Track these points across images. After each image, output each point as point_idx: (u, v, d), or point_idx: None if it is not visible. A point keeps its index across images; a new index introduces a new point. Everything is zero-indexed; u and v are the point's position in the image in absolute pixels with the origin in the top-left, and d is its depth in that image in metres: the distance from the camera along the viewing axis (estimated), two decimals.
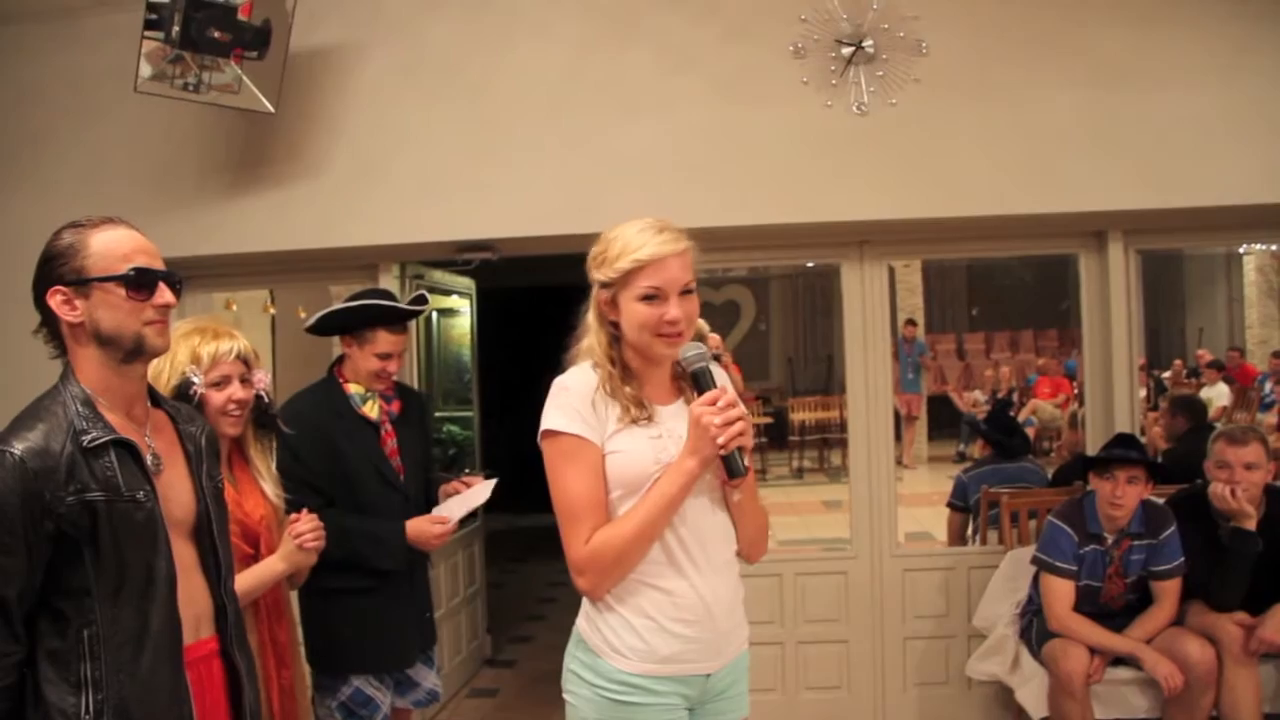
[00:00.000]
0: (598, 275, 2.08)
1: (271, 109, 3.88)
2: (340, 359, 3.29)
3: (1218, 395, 9.83)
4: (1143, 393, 9.82)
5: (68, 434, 1.76)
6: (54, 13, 4.44)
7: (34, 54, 4.47)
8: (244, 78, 3.83)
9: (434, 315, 5.74)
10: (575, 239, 4.22)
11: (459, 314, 6.00)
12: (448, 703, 4.83)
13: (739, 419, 1.95)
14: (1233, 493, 3.58)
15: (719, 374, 2.08)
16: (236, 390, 2.53)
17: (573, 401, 2.04)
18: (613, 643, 2.03)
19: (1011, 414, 6.11)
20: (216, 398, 2.51)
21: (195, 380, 2.48)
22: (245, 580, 2.42)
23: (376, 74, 4.30)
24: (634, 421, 2.04)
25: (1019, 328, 14.63)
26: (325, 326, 3.23)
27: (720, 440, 1.93)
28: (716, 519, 2.09)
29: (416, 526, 3.15)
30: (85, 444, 1.76)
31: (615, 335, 2.10)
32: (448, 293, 5.48)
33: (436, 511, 3.24)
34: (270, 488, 2.65)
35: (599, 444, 2.04)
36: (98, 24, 4.39)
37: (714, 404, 1.96)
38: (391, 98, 4.29)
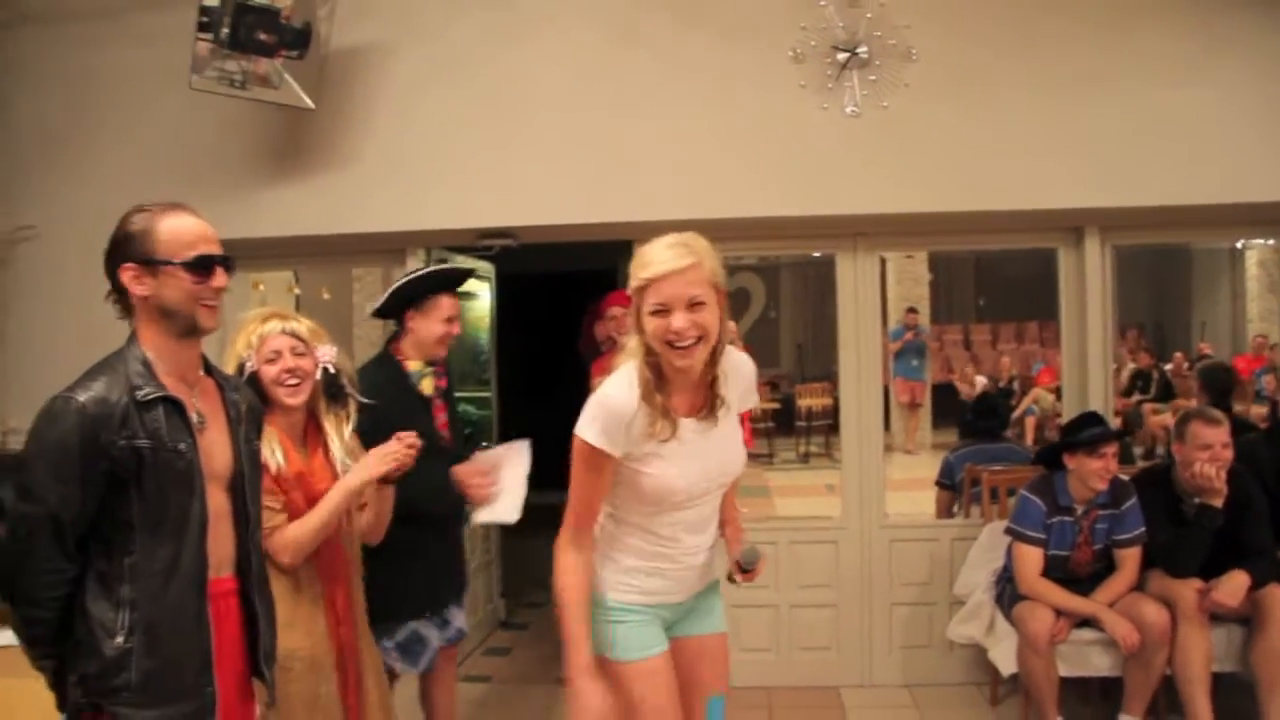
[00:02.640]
0: (630, 285, 2.30)
1: (312, 105, 4.21)
2: (395, 336, 3.48)
3: None
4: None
5: (125, 388, 2.04)
6: (96, 12, 4.74)
7: (78, 51, 4.76)
8: (286, 76, 4.15)
9: None
10: (588, 228, 4.60)
11: (477, 297, 6.30)
12: (464, 660, 5.16)
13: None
14: (1217, 471, 3.84)
15: None
16: (288, 361, 2.75)
17: (611, 423, 2.27)
18: (612, 583, 2.45)
19: (1003, 405, 6.41)
20: (269, 371, 2.74)
21: (247, 362, 2.76)
22: (323, 506, 2.65)
23: (405, 72, 4.61)
24: (662, 441, 2.29)
25: (1024, 319, 14.87)
26: (391, 305, 3.43)
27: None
28: (709, 510, 2.49)
29: (461, 470, 3.36)
30: (139, 398, 2.04)
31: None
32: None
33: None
34: (340, 456, 2.80)
35: (620, 457, 2.30)
36: (140, 22, 4.68)
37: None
38: (418, 94, 4.60)
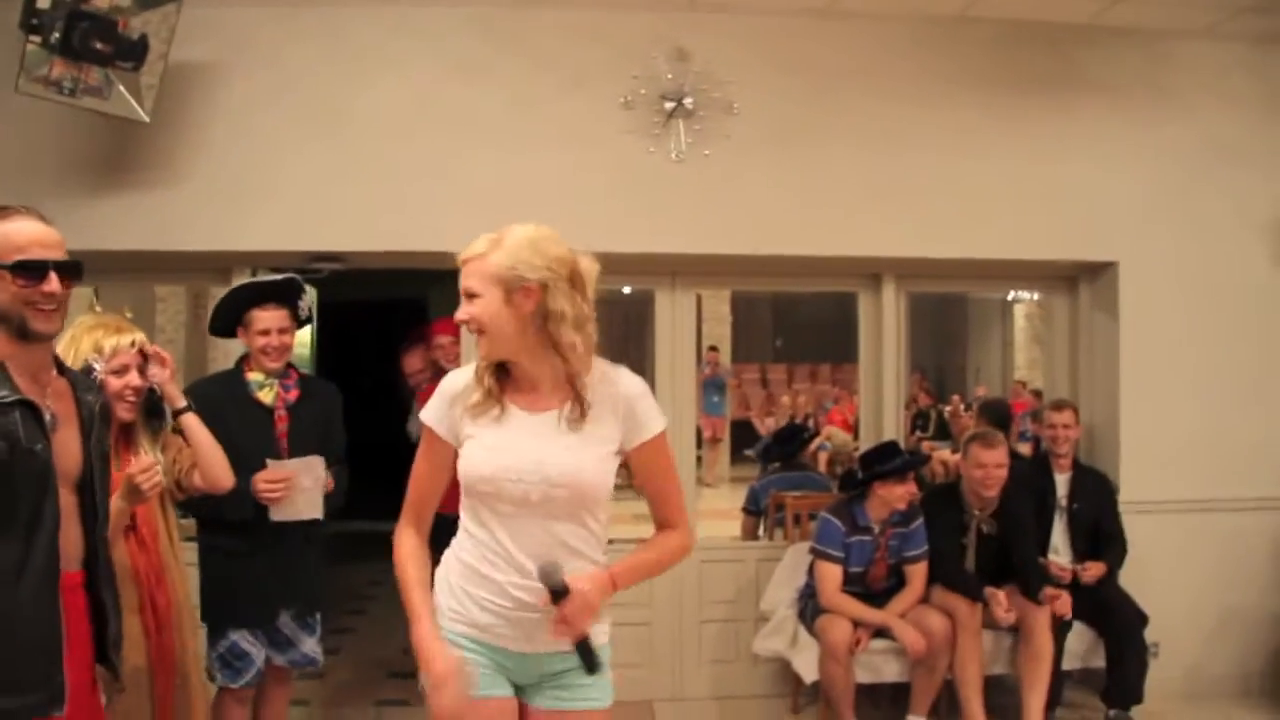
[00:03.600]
0: None
1: (146, 118, 4.15)
2: (246, 355, 3.61)
3: None
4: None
5: None
6: None
7: None
8: (120, 87, 4.09)
9: None
10: (417, 255, 4.71)
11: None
12: None
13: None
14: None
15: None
16: (133, 378, 2.88)
17: (442, 400, 2.29)
18: (444, 610, 2.29)
19: (803, 435, 6.93)
20: (115, 384, 2.84)
21: (96, 367, 2.80)
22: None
23: (243, 92, 4.60)
24: (483, 422, 2.22)
25: (819, 361, 15.74)
26: (218, 325, 3.59)
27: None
28: (540, 530, 2.21)
29: (256, 477, 3.37)
30: None
31: None
32: None
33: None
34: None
35: (450, 440, 2.26)
36: None
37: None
38: (253, 115, 4.60)
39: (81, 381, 2.38)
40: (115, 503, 2.74)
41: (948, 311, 15.21)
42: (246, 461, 3.33)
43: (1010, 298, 13.13)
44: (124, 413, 2.87)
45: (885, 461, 4.41)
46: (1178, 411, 4.94)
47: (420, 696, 2.23)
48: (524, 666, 2.27)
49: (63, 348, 2.76)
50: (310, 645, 3.65)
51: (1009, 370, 14.24)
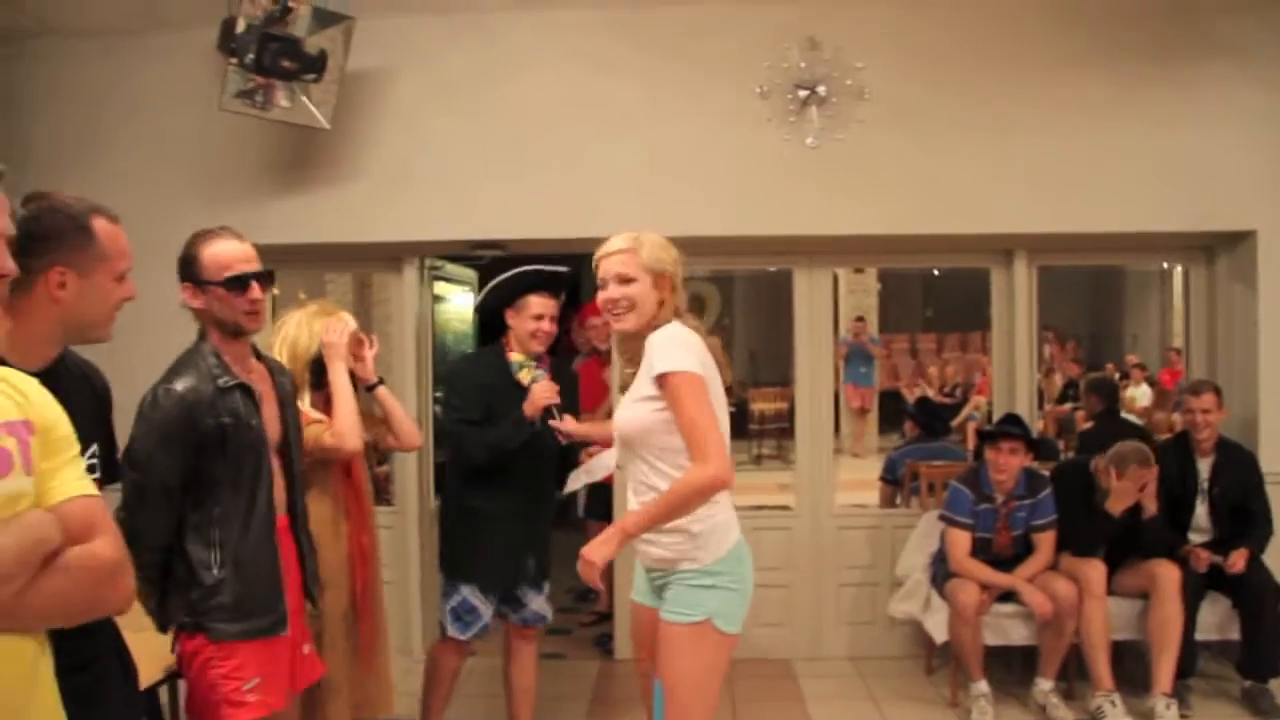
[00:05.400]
0: None
1: (327, 125, 4.64)
2: (506, 333, 3.79)
3: (1141, 395, 10.77)
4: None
5: (208, 378, 2.55)
6: (114, 29, 5.09)
7: (94, 65, 5.12)
8: (304, 98, 4.58)
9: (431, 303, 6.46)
10: (572, 241, 5.07)
11: (450, 301, 6.65)
12: None
13: None
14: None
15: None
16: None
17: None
18: None
19: (946, 417, 7.00)
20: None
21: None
22: (339, 397, 3.25)
23: (406, 95, 5.06)
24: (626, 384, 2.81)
25: (969, 330, 15.53)
26: (490, 303, 3.81)
27: None
28: (630, 469, 2.75)
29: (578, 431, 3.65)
30: (220, 385, 2.56)
31: None
32: (453, 282, 6.24)
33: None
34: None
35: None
36: (156, 41, 5.07)
37: None
38: (420, 116, 5.05)
39: (276, 366, 2.88)
40: (336, 378, 3.28)
41: (1104, 280, 14.80)
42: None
43: (1166, 266, 12.72)
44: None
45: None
46: None
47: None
48: (649, 575, 2.82)
49: (294, 330, 3.34)
50: (539, 603, 3.90)
51: (1167, 337, 13.80)
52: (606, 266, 2.73)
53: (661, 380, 2.59)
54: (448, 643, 3.84)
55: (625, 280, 2.70)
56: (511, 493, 3.74)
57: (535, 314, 3.71)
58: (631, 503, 2.73)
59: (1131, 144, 4.91)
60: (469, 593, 3.76)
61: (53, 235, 1.94)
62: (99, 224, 2.02)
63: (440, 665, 3.89)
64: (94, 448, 2.06)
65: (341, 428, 3.21)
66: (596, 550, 2.58)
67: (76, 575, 1.56)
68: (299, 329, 3.33)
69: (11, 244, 1.70)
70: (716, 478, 2.56)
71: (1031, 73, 4.93)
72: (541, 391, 3.61)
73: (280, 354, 3.23)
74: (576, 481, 3.73)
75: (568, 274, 3.88)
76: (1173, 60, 4.90)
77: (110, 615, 1.77)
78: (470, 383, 3.75)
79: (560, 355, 6.14)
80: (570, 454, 3.90)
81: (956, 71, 4.94)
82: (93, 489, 1.66)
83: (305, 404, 3.25)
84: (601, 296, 2.74)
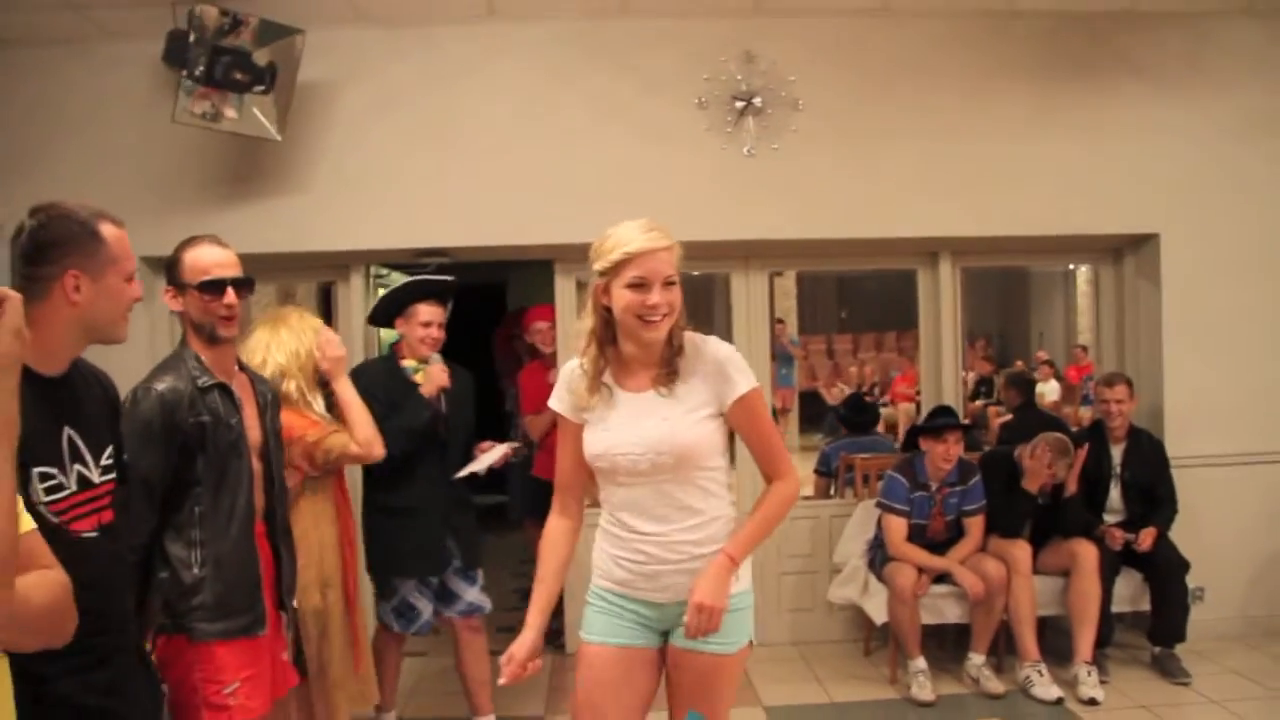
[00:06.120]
0: (596, 265, 2.41)
1: (279, 137, 4.71)
2: (398, 341, 4.10)
3: (1049, 390, 11.29)
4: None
5: (188, 379, 2.63)
6: (52, 41, 5.05)
7: (49, 74, 5.09)
8: (254, 110, 4.64)
9: None
10: (513, 249, 5.21)
11: None
12: None
13: None
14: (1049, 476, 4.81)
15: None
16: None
17: (561, 385, 2.54)
18: (593, 566, 2.63)
19: (873, 410, 7.38)
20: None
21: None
22: (351, 405, 3.47)
23: (352, 106, 5.12)
24: (598, 409, 2.47)
25: (883, 330, 15.97)
26: (379, 314, 4.10)
27: None
28: (654, 497, 2.46)
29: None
30: (199, 385, 2.64)
31: (607, 320, 2.45)
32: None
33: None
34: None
35: (574, 419, 2.54)
36: (103, 51, 5.05)
37: None
38: (368, 127, 5.11)
39: (257, 376, 2.96)
40: (344, 391, 3.48)
41: (1011, 281, 15.35)
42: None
43: (1071, 267, 13.29)
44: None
45: (931, 421, 4.91)
46: (1219, 372, 5.29)
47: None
48: (663, 614, 2.52)
49: (288, 337, 3.49)
50: (474, 594, 4.10)
51: (1072, 335, 14.39)
52: (650, 265, 2.35)
53: (743, 398, 2.45)
54: (391, 635, 4.06)
55: (670, 282, 2.39)
56: (421, 484, 3.94)
57: (424, 321, 3.98)
58: (642, 524, 2.48)
59: (1048, 153, 5.25)
60: (406, 591, 3.96)
61: (64, 241, 2.01)
62: (106, 228, 2.08)
63: (385, 657, 4.08)
64: (110, 449, 2.15)
65: (365, 436, 3.38)
66: (719, 594, 2.38)
67: (56, 591, 1.60)
68: (295, 338, 3.44)
69: (22, 255, 1.81)
70: (799, 488, 2.58)
71: (956, 86, 5.24)
72: (438, 371, 3.93)
73: (278, 361, 3.37)
74: (465, 470, 4.04)
75: (454, 283, 4.13)
76: (1086, 77, 5.26)
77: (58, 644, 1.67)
78: (374, 385, 3.84)
79: (504, 362, 6.30)
80: (468, 447, 4.18)
81: (886, 85, 5.22)
82: (31, 523, 1.61)
83: (319, 408, 3.39)
84: (649, 300, 2.35)
